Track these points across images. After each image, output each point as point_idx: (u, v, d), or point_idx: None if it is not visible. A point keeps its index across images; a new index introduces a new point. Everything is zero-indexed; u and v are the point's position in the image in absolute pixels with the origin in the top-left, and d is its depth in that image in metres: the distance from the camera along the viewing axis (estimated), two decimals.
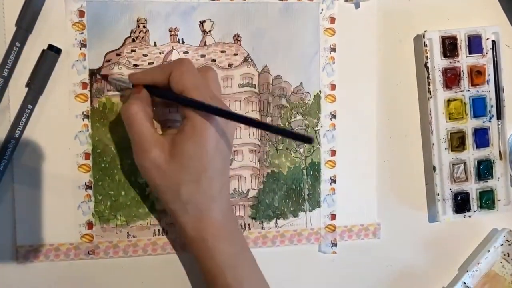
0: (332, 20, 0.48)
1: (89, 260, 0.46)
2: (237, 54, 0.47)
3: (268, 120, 0.48)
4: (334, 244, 0.50)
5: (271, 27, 0.47)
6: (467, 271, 0.51)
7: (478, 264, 0.51)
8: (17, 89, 0.43)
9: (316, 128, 0.49)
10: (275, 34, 0.47)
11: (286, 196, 0.49)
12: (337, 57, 0.48)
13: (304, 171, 0.49)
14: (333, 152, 0.49)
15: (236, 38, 0.47)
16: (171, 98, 0.42)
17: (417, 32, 0.50)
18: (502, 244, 0.52)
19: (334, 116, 0.49)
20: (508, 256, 0.52)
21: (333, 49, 0.48)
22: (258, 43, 0.47)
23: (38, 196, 0.44)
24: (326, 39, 0.48)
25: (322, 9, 0.48)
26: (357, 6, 0.48)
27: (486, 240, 0.53)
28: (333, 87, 0.48)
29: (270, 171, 0.48)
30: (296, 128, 0.49)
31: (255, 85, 0.48)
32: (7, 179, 0.43)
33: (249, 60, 0.47)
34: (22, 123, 0.43)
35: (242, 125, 0.47)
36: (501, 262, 0.52)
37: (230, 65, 0.47)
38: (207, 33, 0.46)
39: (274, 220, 0.49)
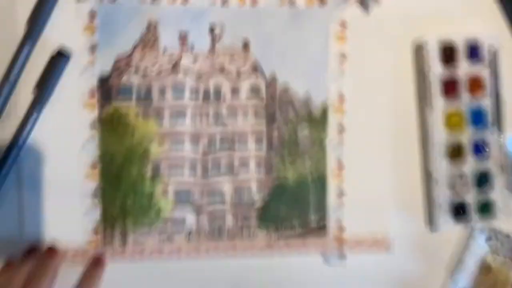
0: (343, 26, 0.47)
1: None
2: (245, 62, 0.46)
3: (275, 131, 0.48)
4: (343, 257, 0.50)
5: (280, 33, 0.46)
6: (458, 276, 0.51)
7: (466, 267, 0.51)
8: (24, 93, 0.43)
9: (323, 140, 0.48)
10: (284, 40, 0.47)
11: (292, 207, 0.49)
12: (348, 65, 0.47)
13: (311, 182, 0.49)
14: (340, 164, 0.49)
15: (246, 45, 0.46)
16: None
17: (416, 40, 0.48)
18: (486, 240, 0.52)
19: (342, 127, 0.48)
20: (496, 248, 0.52)
21: (344, 57, 0.47)
22: (267, 49, 0.46)
23: (45, 202, 0.45)
24: (337, 46, 0.47)
25: (333, 15, 0.47)
26: (366, 11, 0.47)
27: (469, 240, 0.52)
28: (342, 97, 0.48)
29: (277, 182, 0.48)
30: (303, 140, 0.48)
31: (262, 97, 0.47)
32: (14, 186, 0.44)
33: (258, 68, 0.47)
34: (27, 129, 0.43)
35: (249, 136, 0.47)
36: (492, 257, 0.52)
37: (238, 72, 0.46)
38: (217, 39, 0.46)
39: (280, 230, 0.49)
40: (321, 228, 0.49)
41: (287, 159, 0.48)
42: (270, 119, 0.47)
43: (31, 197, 0.44)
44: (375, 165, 0.49)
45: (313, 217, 0.49)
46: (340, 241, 0.50)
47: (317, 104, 0.48)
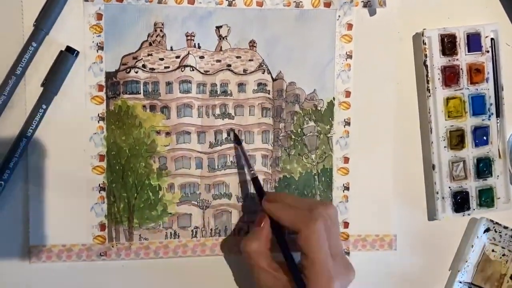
0: (349, 26, 0.48)
1: (101, 261, 0.46)
2: (252, 60, 0.47)
3: (281, 125, 0.48)
4: (347, 253, 0.50)
5: (286, 33, 0.47)
6: (459, 271, 0.51)
7: (466, 261, 0.51)
8: (32, 88, 0.43)
9: (329, 135, 0.49)
10: (290, 40, 0.47)
11: None
12: (353, 64, 0.48)
13: (316, 177, 0.49)
14: (346, 159, 0.49)
15: (252, 44, 0.47)
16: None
17: (416, 30, 0.50)
18: (484, 232, 0.52)
19: (348, 123, 0.49)
20: (495, 240, 0.52)
21: (350, 56, 0.48)
22: (273, 49, 0.47)
23: (51, 196, 0.44)
24: (343, 45, 0.48)
25: (339, 16, 0.48)
26: (372, 13, 0.48)
27: (467, 233, 0.53)
28: (348, 94, 0.49)
29: (282, 176, 0.48)
30: (308, 134, 0.49)
31: (269, 91, 0.48)
32: (21, 179, 0.44)
33: (264, 66, 0.47)
34: (35, 122, 0.43)
35: (255, 130, 0.48)
36: (491, 249, 0.53)
37: (245, 70, 0.47)
38: (223, 38, 0.47)
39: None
40: None
41: (293, 153, 0.49)
42: (277, 114, 0.48)
43: (37, 189, 0.44)
44: (379, 159, 0.50)
45: None
46: (344, 237, 0.50)
47: (323, 99, 0.48)
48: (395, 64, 0.49)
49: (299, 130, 0.49)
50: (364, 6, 0.48)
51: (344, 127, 0.49)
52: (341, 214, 0.49)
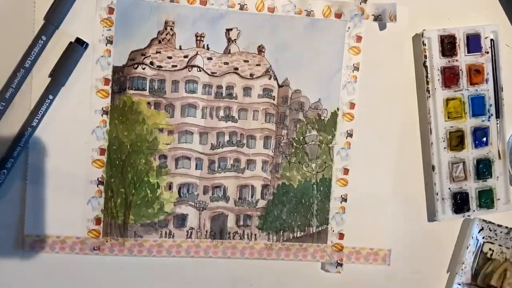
0: (359, 39, 0.48)
1: (93, 255, 0.45)
2: (259, 65, 0.47)
3: (283, 132, 0.48)
4: (340, 264, 0.49)
5: (296, 41, 0.47)
6: (456, 273, 0.51)
7: (463, 263, 0.51)
8: (40, 78, 0.43)
9: (330, 145, 0.49)
10: (299, 48, 0.48)
11: (294, 210, 0.49)
12: (359, 76, 0.49)
13: (315, 186, 0.49)
14: (346, 171, 0.49)
15: (260, 49, 0.47)
16: None
17: (416, 31, 0.49)
18: (479, 232, 0.52)
19: (350, 135, 0.49)
20: (491, 238, 0.52)
21: (357, 68, 0.48)
22: (281, 56, 0.47)
23: (49, 187, 0.44)
24: (350, 57, 0.48)
25: (349, 27, 0.48)
26: (382, 27, 0.48)
27: (462, 234, 0.53)
28: (352, 105, 0.49)
29: (281, 183, 0.48)
30: (310, 143, 0.49)
31: (274, 97, 0.48)
32: (21, 168, 0.44)
33: (271, 72, 0.47)
34: (41, 112, 0.43)
35: (258, 135, 0.48)
36: (488, 248, 0.52)
37: (251, 75, 0.47)
38: (232, 41, 0.47)
39: (280, 233, 0.49)
40: (321, 233, 0.49)
41: (293, 161, 0.49)
42: (280, 120, 0.48)
43: (35, 179, 0.44)
44: (380, 174, 0.50)
45: (314, 222, 0.49)
46: (338, 248, 0.50)
47: (327, 109, 0.49)
48: (400, 80, 0.49)
49: (301, 138, 0.49)
50: (375, 19, 0.48)
51: (346, 138, 0.49)
52: (337, 225, 0.49)
